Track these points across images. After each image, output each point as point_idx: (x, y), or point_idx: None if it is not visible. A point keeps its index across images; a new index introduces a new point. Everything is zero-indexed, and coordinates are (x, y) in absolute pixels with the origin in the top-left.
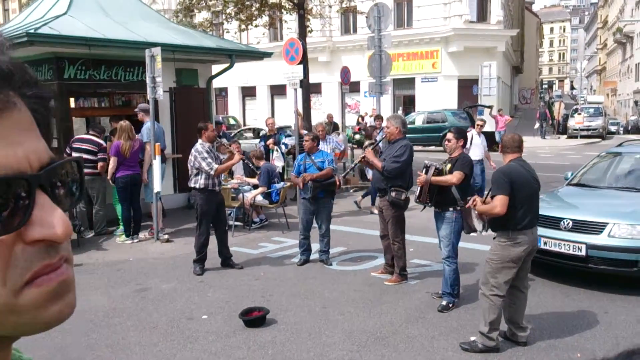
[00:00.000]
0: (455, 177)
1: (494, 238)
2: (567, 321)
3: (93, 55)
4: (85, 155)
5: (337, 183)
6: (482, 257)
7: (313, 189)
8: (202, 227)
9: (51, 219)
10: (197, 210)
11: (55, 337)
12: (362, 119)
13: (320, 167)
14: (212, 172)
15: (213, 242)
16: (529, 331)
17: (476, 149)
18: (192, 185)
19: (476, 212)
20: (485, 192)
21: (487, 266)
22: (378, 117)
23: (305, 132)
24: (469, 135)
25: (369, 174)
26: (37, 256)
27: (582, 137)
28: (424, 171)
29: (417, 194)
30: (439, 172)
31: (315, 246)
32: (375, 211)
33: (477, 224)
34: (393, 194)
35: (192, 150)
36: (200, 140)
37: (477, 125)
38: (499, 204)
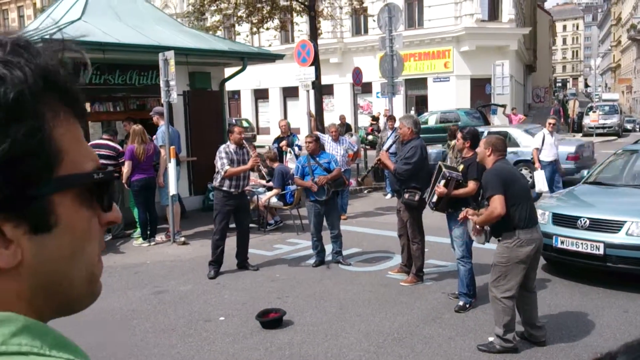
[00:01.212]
0: (470, 188)
1: (499, 241)
2: (585, 321)
3: (107, 60)
4: (102, 161)
5: (345, 182)
6: None
7: (328, 191)
8: (216, 227)
9: (115, 207)
10: (214, 208)
11: (73, 339)
12: (376, 119)
13: (327, 167)
14: (222, 172)
15: (231, 245)
16: (545, 330)
17: (549, 149)
18: (213, 183)
19: (472, 224)
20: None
21: (495, 269)
22: (390, 118)
23: (318, 133)
24: (539, 134)
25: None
26: (102, 236)
27: (598, 135)
28: (442, 182)
29: (435, 202)
30: (458, 182)
31: (328, 247)
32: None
33: (477, 238)
34: (406, 195)
35: (217, 151)
36: (227, 142)
37: (549, 123)
38: (497, 204)
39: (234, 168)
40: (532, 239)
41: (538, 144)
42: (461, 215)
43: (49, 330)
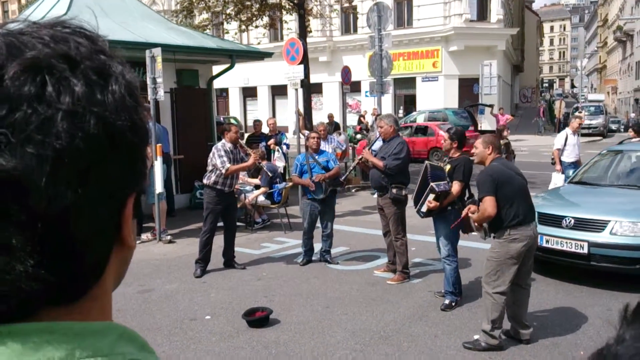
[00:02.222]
0: (455, 191)
1: (494, 237)
2: (569, 319)
3: None
4: None
5: (342, 181)
6: (482, 254)
7: (326, 189)
8: (206, 225)
9: None
10: (204, 207)
11: None
12: (363, 117)
13: (326, 166)
14: (223, 170)
15: (217, 243)
16: (532, 329)
17: (571, 150)
18: (205, 181)
19: (477, 225)
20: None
21: (488, 264)
22: (379, 117)
23: (307, 132)
24: (561, 134)
25: None
26: None
27: (583, 135)
28: (431, 196)
29: (425, 212)
30: (446, 193)
31: (317, 246)
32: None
33: (479, 233)
34: (394, 190)
35: (213, 148)
36: (223, 140)
37: (574, 122)
38: (487, 205)
39: (234, 166)
40: (524, 236)
41: (560, 144)
42: (463, 213)
43: (134, 333)
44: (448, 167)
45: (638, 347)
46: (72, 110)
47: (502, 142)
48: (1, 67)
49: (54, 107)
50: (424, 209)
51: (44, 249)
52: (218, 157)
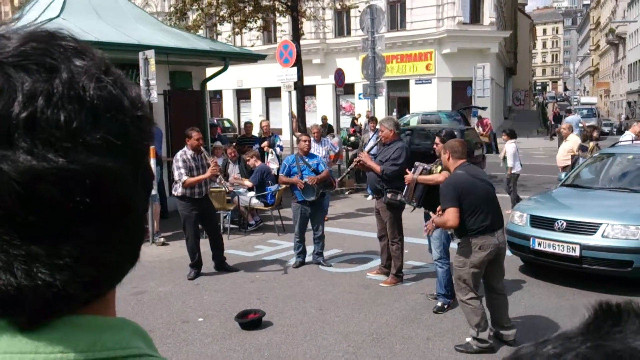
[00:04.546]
0: (442, 175)
1: (458, 244)
2: (561, 322)
3: None
4: None
5: (333, 183)
6: None
7: (317, 192)
8: (187, 232)
9: None
10: (181, 216)
11: None
12: (356, 120)
13: (315, 169)
14: (179, 182)
15: (207, 246)
16: (515, 329)
17: None
18: (173, 192)
19: (433, 226)
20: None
21: (455, 272)
22: (372, 119)
23: (299, 133)
24: (625, 138)
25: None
26: None
27: None
28: (412, 171)
29: (404, 193)
30: (428, 172)
31: (310, 248)
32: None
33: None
34: (389, 195)
35: (174, 157)
36: (184, 148)
37: (635, 127)
38: (450, 217)
39: (192, 178)
40: (487, 244)
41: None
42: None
43: (144, 330)
44: (439, 168)
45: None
46: (137, 114)
47: (591, 144)
48: (75, 75)
49: (125, 112)
50: (404, 191)
51: (126, 240)
52: (176, 169)
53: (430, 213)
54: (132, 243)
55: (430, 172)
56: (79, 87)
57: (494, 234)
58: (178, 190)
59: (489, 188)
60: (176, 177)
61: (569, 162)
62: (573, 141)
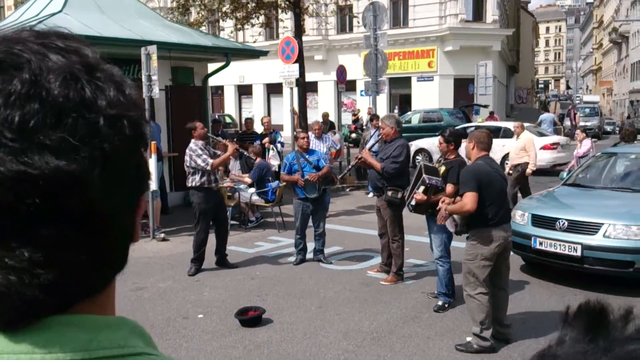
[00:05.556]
0: (448, 192)
1: (467, 238)
2: None
3: None
4: None
5: (334, 180)
6: None
7: (319, 188)
8: (200, 225)
9: None
10: (195, 209)
11: None
12: (356, 115)
13: (316, 165)
14: (208, 167)
15: (212, 241)
16: (512, 329)
17: None
18: (190, 184)
19: (447, 214)
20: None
21: (464, 267)
22: (374, 117)
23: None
24: None
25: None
26: None
27: None
28: (421, 189)
29: (414, 206)
30: (437, 188)
31: (310, 245)
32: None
33: (450, 226)
34: (389, 193)
35: (187, 150)
36: (193, 140)
37: None
38: (468, 201)
39: (217, 159)
40: (497, 237)
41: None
42: (441, 202)
43: (142, 328)
44: (443, 168)
45: (577, 348)
46: (112, 114)
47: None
48: (38, 75)
49: (98, 112)
50: (413, 202)
51: (94, 243)
52: (197, 157)
53: (440, 202)
54: (107, 246)
55: (438, 189)
56: (42, 86)
57: (504, 226)
58: (197, 180)
59: (504, 182)
60: (201, 164)
61: (522, 161)
62: (525, 139)
